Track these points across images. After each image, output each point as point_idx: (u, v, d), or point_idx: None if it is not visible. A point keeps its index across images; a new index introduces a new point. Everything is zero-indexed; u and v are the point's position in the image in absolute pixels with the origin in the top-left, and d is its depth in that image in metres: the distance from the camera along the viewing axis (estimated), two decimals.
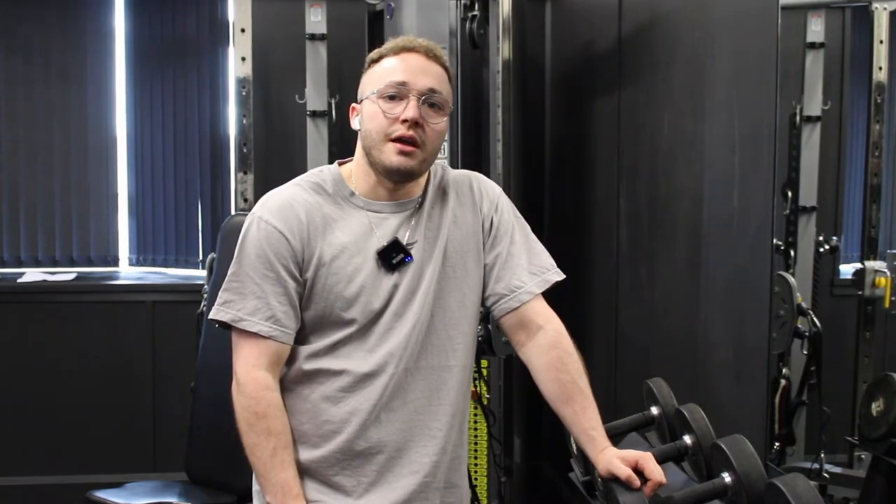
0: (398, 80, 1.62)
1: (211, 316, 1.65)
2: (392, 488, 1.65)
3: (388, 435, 1.64)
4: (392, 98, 1.62)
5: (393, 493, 1.65)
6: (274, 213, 1.63)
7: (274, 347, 1.62)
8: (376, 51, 1.69)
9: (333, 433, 1.64)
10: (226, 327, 1.64)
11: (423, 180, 1.72)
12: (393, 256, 1.64)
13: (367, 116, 1.64)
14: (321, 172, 1.71)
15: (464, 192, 1.75)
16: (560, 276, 1.76)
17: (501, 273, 1.72)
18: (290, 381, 1.66)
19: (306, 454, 1.65)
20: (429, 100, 1.62)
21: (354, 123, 1.70)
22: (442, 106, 1.64)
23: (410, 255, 1.65)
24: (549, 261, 1.77)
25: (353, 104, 1.71)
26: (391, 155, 1.61)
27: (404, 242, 1.66)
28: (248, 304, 1.61)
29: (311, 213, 1.64)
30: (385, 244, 1.65)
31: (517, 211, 1.80)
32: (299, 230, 1.62)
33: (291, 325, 1.63)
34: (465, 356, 1.72)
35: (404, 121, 1.60)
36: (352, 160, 1.73)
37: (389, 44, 1.68)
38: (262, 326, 1.60)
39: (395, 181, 1.65)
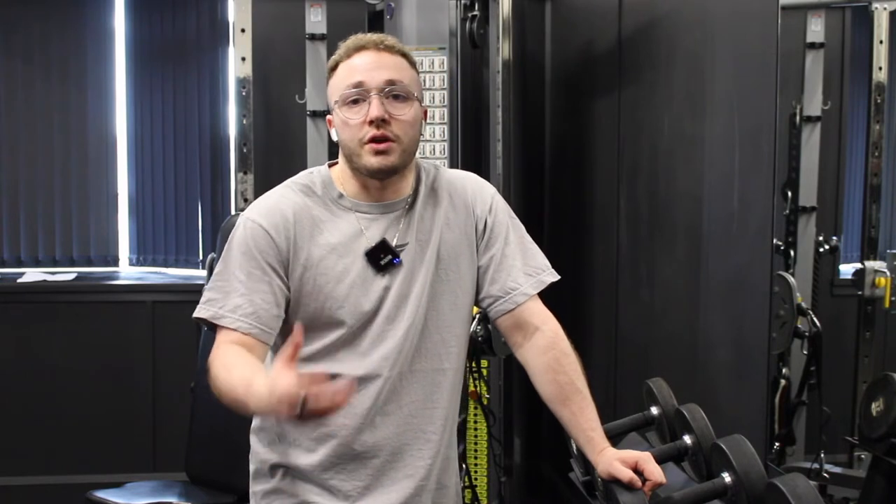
0: (354, 83, 1.60)
1: (195, 314, 1.63)
2: (387, 492, 1.65)
3: (383, 439, 1.64)
4: (355, 102, 1.61)
5: (388, 497, 1.65)
6: (261, 214, 1.63)
7: (249, 342, 1.57)
8: (332, 58, 1.68)
9: (328, 437, 1.63)
10: (210, 327, 1.62)
11: (411, 178, 1.71)
12: (381, 257, 1.63)
13: (339, 127, 1.64)
14: (311, 174, 1.71)
15: (457, 194, 1.74)
16: (555, 276, 1.76)
17: (496, 275, 1.72)
18: None
19: (302, 458, 1.65)
20: (391, 92, 1.60)
21: (333, 135, 1.69)
22: (406, 95, 1.62)
23: (398, 258, 1.65)
24: (543, 261, 1.76)
25: (328, 117, 1.70)
26: (369, 157, 1.60)
27: (394, 244, 1.65)
28: (231, 301, 1.59)
29: (300, 213, 1.63)
30: (372, 245, 1.64)
31: (511, 211, 1.79)
32: (285, 228, 1.61)
33: (273, 324, 1.61)
34: (458, 359, 1.72)
35: (371, 122, 1.59)
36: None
37: (341, 48, 1.66)
38: (241, 323, 1.58)
39: (381, 179, 1.65)
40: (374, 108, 1.59)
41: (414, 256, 1.66)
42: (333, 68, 1.66)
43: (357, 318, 1.62)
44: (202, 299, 1.63)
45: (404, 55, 1.66)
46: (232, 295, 1.59)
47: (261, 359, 1.60)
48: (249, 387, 1.39)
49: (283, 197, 1.65)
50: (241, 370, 1.47)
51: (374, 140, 1.59)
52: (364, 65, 1.61)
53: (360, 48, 1.64)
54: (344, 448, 1.63)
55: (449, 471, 1.75)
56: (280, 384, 1.30)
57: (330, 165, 1.73)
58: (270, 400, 1.32)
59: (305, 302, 1.62)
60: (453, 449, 1.77)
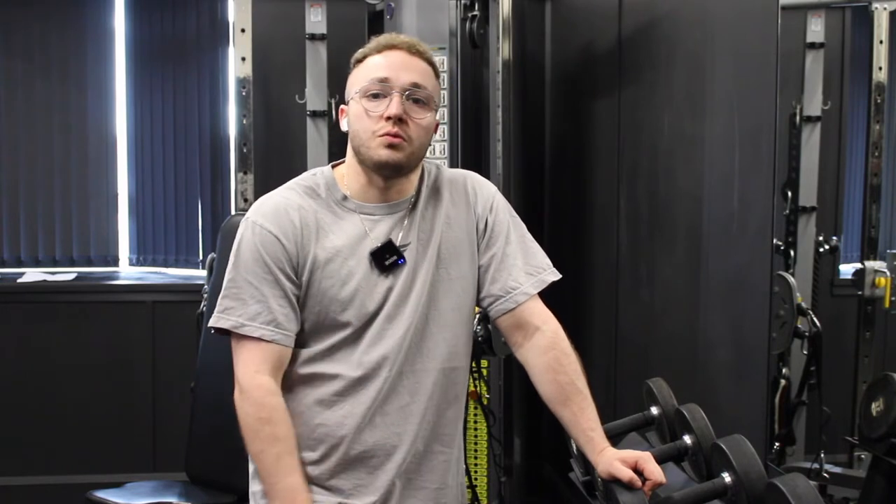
0: (380, 77, 1.62)
1: (211, 324, 1.64)
2: (385, 490, 1.65)
3: (383, 438, 1.64)
4: (376, 96, 1.62)
5: (388, 496, 1.65)
6: (268, 218, 1.63)
7: (276, 351, 1.61)
8: (360, 51, 1.69)
9: (327, 436, 1.64)
10: (225, 334, 1.64)
11: (415, 179, 1.71)
12: (386, 258, 1.64)
13: (354, 116, 1.65)
14: (315, 176, 1.71)
15: (458, 192, 1.74)
16: (556, 275, 1.76)
17: (497, 274, 1.72)
18: (286, 383, 1.66)
19: (301, 457, 1.64)
20: (413, 95, 1.62)
21: (343, 125, 1.70)
22: (427, 101, 1.64)
23: (403, 258, 1.65)
24: (545, 260, 1.76)
25: (342, 106, 1.71)
26: (379, 149, 1.61)
27: (398, 244, 1.65)
28: (249, 309, 1.60)
29: (305, 217, 1.64)
30: (378, 245, 1.64)
31: (512, 210, 1.79)
32: (293, 234, 1.62)
33: (292, 327, 1.63)
34: (460, 358, 1.72)
35: (388, 118, 1.60)
36: (345, 161, 1.73)
37: (372, 43, 1.68)
38: (263, 331, 1.60)
39: (386, 176, 1.65)
40: (394, 106, 1.60)
41: (416, 255, 1.67)
42: (360, 60, 1.68)
43: (361, 319, 1.63)
44: (218, 308, 1.63)
45: (432, 64, 1.68)
46: (249, 303, 1.60)
47: (283, 363, 1.63)
48: (294, 499, 1.58)
49: (288, 199, 1.66)
50: (289, 459, 1.59)
51: (387, 135, 1.60)
52: (392, 63, 1.63)
53: (392, 47, 1.65)
54: (344, 447, 1.63)
55: (451, 471, 1.75)
56: None
57: (333, 166, 1.73)
58: None
59: (311, 304, 1.63)
60: (455, 448, 1.77)
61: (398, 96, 1.60)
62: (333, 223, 1.65)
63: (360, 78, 1.65)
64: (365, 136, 1.62)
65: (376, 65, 1.64)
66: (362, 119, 1.62)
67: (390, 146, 1.60)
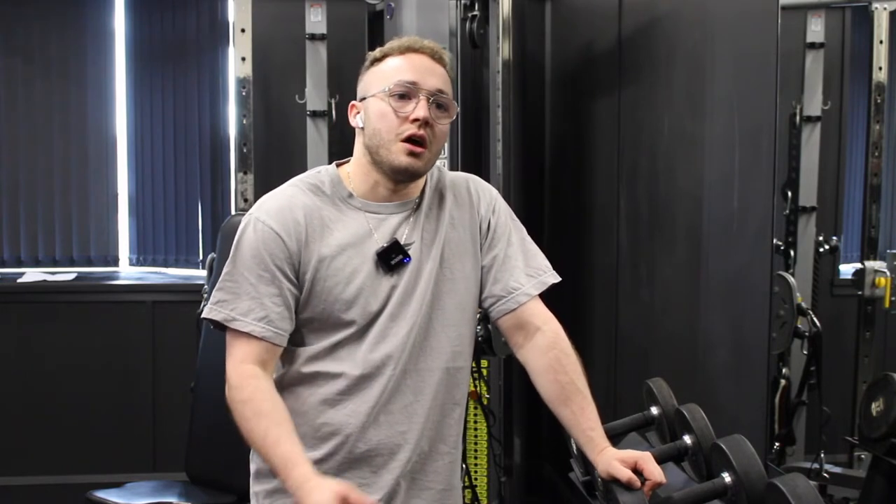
0: (408, 80, 1.61)
1: (204, 315, 1.64)
2: (389, 489, 1.65)
3: (387, 437, 1.64)
4: (402, 97, 1.61)
5: (391, 496, 1.65)
6: (271, 215, 1.62)
7: (266, 349, 1.60)
8: (379, 49, 1.69)
9: (332, 435, 1.64)
10: (219, 327, 1.64)
11: (421, 181, 1.71)
12: (392, 257, 1.64)
13: (375, 115, 1.63)
14: (319, 173, 1.71)
15: (461, 194, 1.74)
16: (556, 278, 1.76)
17: (499, 275, 1.72)
18: (289, 382, 1.66)
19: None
20: (437, 100, 1.62)
21: (356, 121, 1.69)
22: (448, 107, 1.65)
23: (409, 257, 1.65)
24: (545, 263, 1.77)
25: (353, 102, 1.70)
26: (400, 155, 1.61)
27: (402, 242, 1.66)
28: (242, 304, 1.60)
29: (310, 214, 1.63)
30: (385, 245, 1.64)
31: (513, 213, 1.80)
32: (296, 232, 1.62)
33: (285, 326, 1.62)
34: (463, 358, 1.72)
35: (415, 120, 1.60)
36: (349, 161, 1.73)
37: (394, 43, 1.67)
38: (254, 327, 1.59)
39: (400, 181, 1.65)
40: (422, 109, 1.60)
41: (420, 255, 1.67)
42: (379, 59, 1.66)
43: (365, 318, 1.63)
44: (212, 299, 1.63)
45: (449, 72, 1.68)
46: (242, 297, 1.60)
47: (272, 359, 1.62)
48: (288, 469, 1.48)
49: (293, 197, 1.65)
50: (277, 431, 1.52)
51: (411, 140, 1.60)
52: (419, 67, 1.63)
53: (416, 50, 1.65)
54: (348, 446, 1.63)
55: (455, 472, 1.75)
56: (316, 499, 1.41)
57: (338, 165, 1.73)
58: (302, 499, 1.43)
59: (314, 303, 1.62)
60: (458, 449, 1.77)
61: (425, 100, 1.60)
62: (338, 220, 1.65)
63: (382, 77, 1.64)
64: (388, 136, 1.61)
65: (401, 66, 1.63)
66: (387, 118, 1.61)
67: (412, 154, 1.60)
